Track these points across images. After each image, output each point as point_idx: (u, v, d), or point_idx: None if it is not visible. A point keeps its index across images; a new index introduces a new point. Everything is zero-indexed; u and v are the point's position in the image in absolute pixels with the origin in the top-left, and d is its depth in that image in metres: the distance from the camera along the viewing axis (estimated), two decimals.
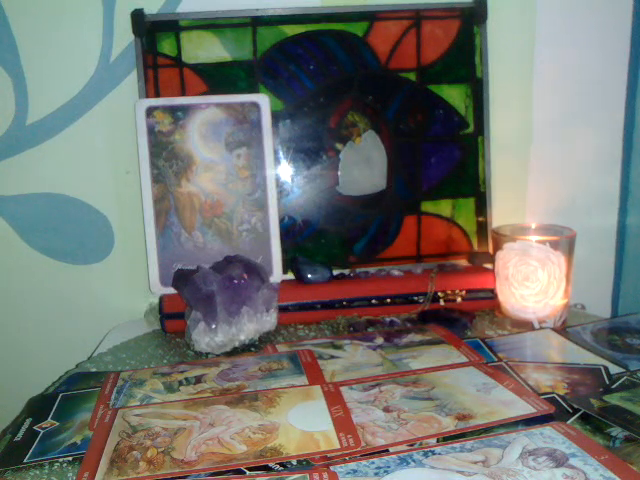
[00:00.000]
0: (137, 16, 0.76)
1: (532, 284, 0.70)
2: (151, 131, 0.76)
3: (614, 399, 0.51)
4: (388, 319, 0.74)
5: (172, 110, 0.76)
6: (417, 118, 0.83)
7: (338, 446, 0.44)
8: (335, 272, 0.80)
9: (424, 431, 0.46)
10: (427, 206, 0.85)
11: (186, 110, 0.77)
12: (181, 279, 0.69)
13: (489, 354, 0.62)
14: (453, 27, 0.82)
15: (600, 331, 0.68)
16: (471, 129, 0.85)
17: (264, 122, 0.78)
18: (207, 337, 0.66)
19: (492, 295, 0.77)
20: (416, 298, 0.77)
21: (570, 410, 0.50)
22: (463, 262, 0.86)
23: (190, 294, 0.67)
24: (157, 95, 0.78)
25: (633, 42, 0.88)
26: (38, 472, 0.45)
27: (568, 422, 0.48)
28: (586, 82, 0.89)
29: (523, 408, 0.49)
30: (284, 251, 0.79)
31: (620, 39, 0.88)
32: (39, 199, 0.81)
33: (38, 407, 0.55)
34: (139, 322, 0.79)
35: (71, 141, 0.80)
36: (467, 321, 0.72)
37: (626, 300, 0.95)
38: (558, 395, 0.52)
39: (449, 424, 0.47)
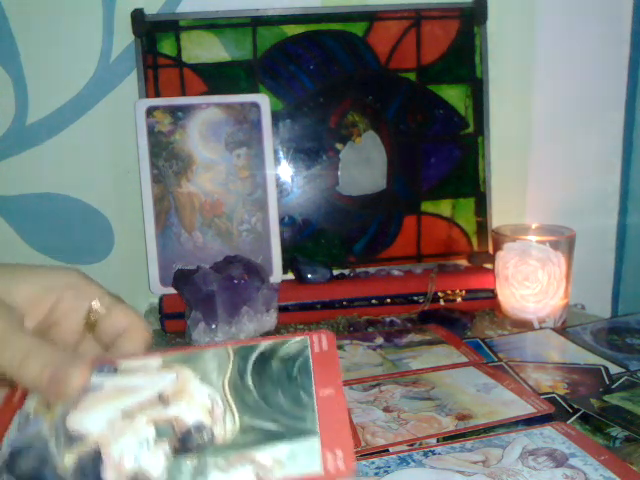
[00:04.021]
0: (137, 16, 0.76)
1: (532, 284, 0.70)
2: (151, 131, 0.76)
3: (614, 399, 0.51)
4: (388, 319, 0.74)
5: (172, 110, 0.76)
6: (417, 118, 0.83)
7: None
8: (335, 272, 0.80)
9: (424, 431, 0.46)
10: (427, 206, 0.85)
11: (186, 110, 0.77)
12: (181, 279, 0.69)
13: (489, 354, 0.62)
14: (453, 27, 0.82)
15: (600, 331, 0.68)
16: (471, 129, 0.85)
17: (264, 122, 0.78)
18: (207, 337, 0.66)
19: (492, 295, 0.77)
20: (416, 298, 0.77)
21: (570, 410, 0.50)
22: (463, 262, 0.86)
23: (190, 294, 0.67)
24: (157, 95, 0.78)
25: (633, 43, 0.88)
26: None
27: (568, 422, 0.48)
28: (586, 82, 0.89)
29: (523, 408, 0.49)
30: (284, 251, 0.79)
31: (620, 39, 0.88)
32: (39, 199, 0.81)
33: None
34: None
35: (71, 141, 0.79)
36: (467, 321, 0.71)
37: (626, 300, 0.95)
38: (558, 395, 0.52)
39: (449, 424, 0.47)
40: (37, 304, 0.37)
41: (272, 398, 0.32)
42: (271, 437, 0.30)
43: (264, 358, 0.34)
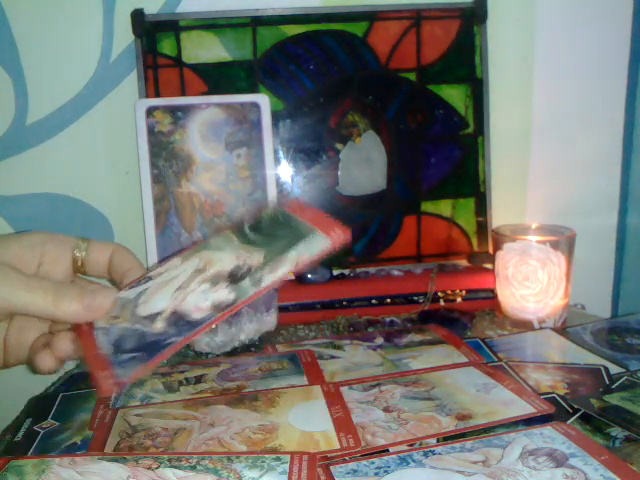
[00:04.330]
0: (137, 16, 0.76)
1: (532, 284, 0.70)
2: (151, 131, 0.76)
3: (614, 399, 0.51)
4: (388, 319, 0.74)
5: (172, 110, 0.76)
6: (417, 118, 0.83)
7: (338, 446, 0.44)
8: (335, 272, 0.80)
9: (424, 431, 0.46)
10: (427, 206, 0.85)
11: (186, 110, 0.77)
12: None
13: (489, 354, 0.62)
14: (453, 27, 0.82)
15: (600, 331, 0.68)
16: (471, 129, 0.85)
17: (264, 122, 0.78)
18: (207, 337, 0.66)
19: (492, 295, 0.77)
20: (416, 298, 0.77)
21: (570, 410, 0.50)
22: (463, 262, 0.86)
23: None
24: (157, 95, 0.78)
25: (633, 42, 0.88)
26: None
27: (568, 422, 0.48)
28: (586, 82, 0.89)
29: (523, 408, 0.49)
30: None
31: (620, 39, 0.88)
32: (39, 199, 0.81)
33: (38, 407, 0.55)
34: None
35: (71, 141, 0.80)
36: (467, 321, 0.72)
37: (626, 300, 0.95)
38: (558, 395, 0.52)
39: (449, 424, 0.47)
40: (26, 261, 0.42)
41: (274, 233, 0.45)
42: (288, 246, 0.43)
43: (255, 225, 0.47)
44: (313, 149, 0.82)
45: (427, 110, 0.83)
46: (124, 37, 0.78)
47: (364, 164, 0.83)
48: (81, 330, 0.44)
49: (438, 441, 0.45)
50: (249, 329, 0.68)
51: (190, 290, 0.43)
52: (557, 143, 0.90)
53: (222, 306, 0.41)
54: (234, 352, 0.67)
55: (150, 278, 0.45)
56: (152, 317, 0.42)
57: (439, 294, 0.77)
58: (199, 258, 0.45)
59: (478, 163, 0.85)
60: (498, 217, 0.86)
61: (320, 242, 0.43)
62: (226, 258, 0.44)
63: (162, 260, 0.48)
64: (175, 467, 0.40)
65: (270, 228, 0.46)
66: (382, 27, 0.81)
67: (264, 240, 0.45)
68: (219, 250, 0.45)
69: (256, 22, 0.79)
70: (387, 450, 0.44)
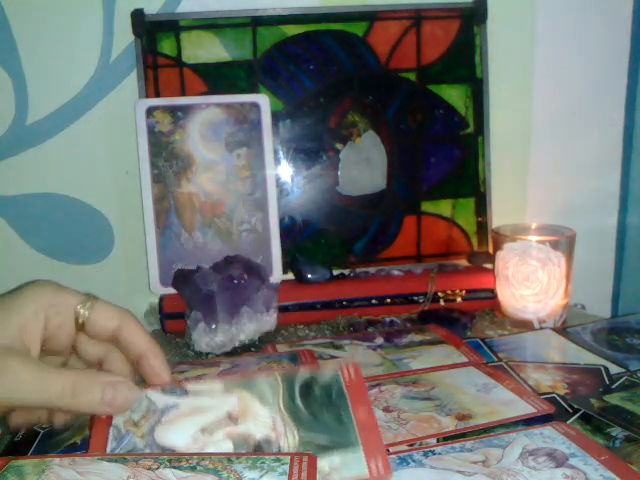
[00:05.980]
0: (137, 16, 0.76)
1: (532, 284, 0.70)
2: (151, 131, 0.76)
3: (614, 399, 0.51)
4: (388, 319, 0.74)
5: (172, 110, 0.76)
6: (417, 118, 0.83)
7: None
8: (335, 272, 0.80)
9: (424, 431, 0.46)
10: (427, 206, 0.85)
11: (186, 110, 0.77)
12: (181, 279, 0.69)
13: (489, 354, 0.62)
14: (453, 27, 0.82)
15: (600, 331, 0.68)
16: (471, 129, 0.85)
17: (264, 122, 0.78)
18: (207, 337, 0.66)
19: (492, 295, 0.77)
20: (416, 298, 0.77)
21: (570, 410, 0.50)
22: (463, 262, 0.86)
23: (190, 294, 0.67)
24: (157, 95, 0.78)
25: (633, 42, 0.88)
26: None
27: (568, 422, 0.48)
28: (586, 82, 0.89)
29: (523, 408, 0.49)
30: (284, 251, 0.79)
31: (620, 39, 0.89)
32: (39, 199, 0.81)
33: None
34: None
35: (71, 141, 0.79)
36: (467, 321, 0.72)
37: (626, 300, 0.95)
38: (558, 395, 0.52)
39: (449, 424, 0.47)
40: (31, 332, 0.41)
41: (319, 416, 0.41)
42: (325, 449, 0.38)
43: (307, 384, 0.43)
44: (313, 149, 0.82)
45: (427, 110, 0.83)
46: (124, 37, 0.78)
47: (364, 164, 0.83)
48: (98, 419, 0.42)
49: (438, 441, 0.45)
50: (249, 329, 0.68)
51: (213, 441, 0.40)
52: (557, 143, 0.90)
53: None
54: (234, 352, 0.67)
55: (186, 392, 0.43)
56: (163, 452, 0.40)
57: (439, 294, 0.77)
58: (238, 397, 0.42)
59: (478, 163, 0.85)
60: (498, 217, 0.86)
61: (358, 468, 0.37)
62: (261, 418, 0.41)
63: (205, 368, 0.46)
64: (175, 467, 0.40)
65: (319, 403, 0.42)
66: (382, 27, 0.81)
67: (306, 418, 0.41)
68: (260, 401, 0.42)
69: (256, 22, 0.79)
70: (387, 450, 0.44)
